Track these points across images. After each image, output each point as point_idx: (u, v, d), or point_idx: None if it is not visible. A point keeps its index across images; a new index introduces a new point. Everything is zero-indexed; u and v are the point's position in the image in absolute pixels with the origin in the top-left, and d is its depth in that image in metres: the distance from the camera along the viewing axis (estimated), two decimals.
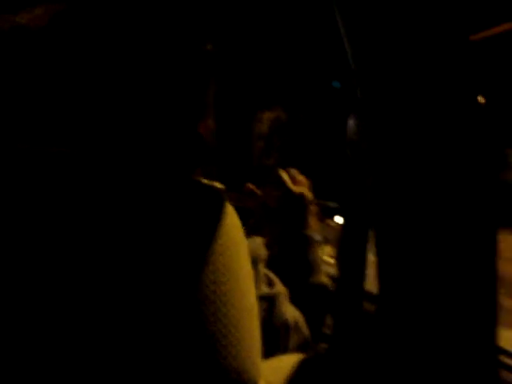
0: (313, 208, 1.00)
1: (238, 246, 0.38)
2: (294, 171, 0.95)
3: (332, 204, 1.46)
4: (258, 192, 0.98)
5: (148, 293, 0.34)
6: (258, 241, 0.67)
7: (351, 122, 0.49)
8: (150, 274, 0.35)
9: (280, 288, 0.66)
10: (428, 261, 0.47)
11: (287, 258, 0.92)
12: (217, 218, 0.36)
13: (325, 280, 0.94)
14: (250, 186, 0.98)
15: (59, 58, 0.45)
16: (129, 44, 0.50)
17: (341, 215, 1.52)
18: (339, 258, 0.55)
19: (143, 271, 0.35)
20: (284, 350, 0.64)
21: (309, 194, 0.95)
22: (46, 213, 0.36)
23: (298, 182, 0.95)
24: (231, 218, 0.37)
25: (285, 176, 0.93)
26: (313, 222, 1.00)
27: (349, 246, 0.54)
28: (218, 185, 0.86)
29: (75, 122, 0.47)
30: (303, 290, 0.88)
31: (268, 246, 0.94)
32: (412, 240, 0.48)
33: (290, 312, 0.67)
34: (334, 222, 1.51)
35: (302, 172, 1.03)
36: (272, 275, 0.68)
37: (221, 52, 0.60)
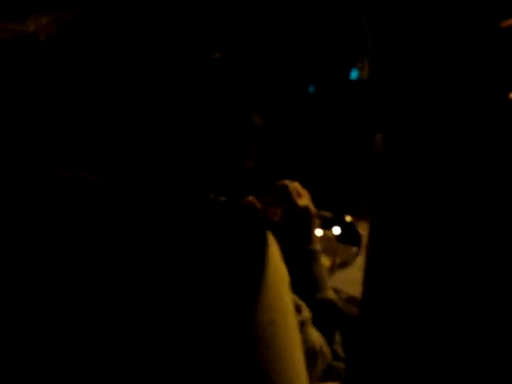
0: (316, 221, 0.98)
1: (282, 277, 0.35)
2: (296, 184, 0.93)
3: (327, 214, 1.44)
4: (258, 205, 0.95)
5: (198, 335, 0.31)
6: None
7: (379, 136, 0.47)
8: (200, 314, 0.31)
9: (307, 313, 0.64)
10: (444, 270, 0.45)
11: (291, 273, 0.89)
12: (262, 248, 0.33)
13: (332, 295, 0.92)
14: (250, 198, 0.95)
15: (71, 71, 0.42)
16: (139, 55, 0.47)
17: (336, 225, 1.50)
18: (366, 277, 0.52)
19: (193, 312, 0.31)
20: (311, 375, 0.61)
21: (312, 208, 0.93)
22: (78, 244, 0.33)
23: (300, 195, 0.92)
24: (274, 248, 0.34)
25: (290, 189, 0.90)
26: (315, 235, 0.98)
27: (377, 263, 0.51)
28: (222, 199, 0.83)
29: (89, 142, 0.43)
30: (310, 307, 0.85)
31: None
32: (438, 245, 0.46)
33: (316, 337, 0.65)
34: (330, 232, 1.48)
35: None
36: (297, 299, 0.65)
37: (229, 60, 0.58)
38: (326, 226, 1.50)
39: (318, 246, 0.97)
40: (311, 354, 0.61)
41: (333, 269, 1.39)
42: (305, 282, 0.89)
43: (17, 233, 0.35)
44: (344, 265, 1.40)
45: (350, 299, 1.38)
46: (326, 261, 1.45)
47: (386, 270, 0.54)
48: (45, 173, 0.37)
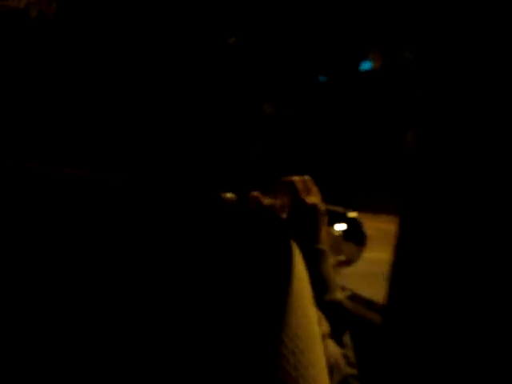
0: (324, 219, 0.93)
1: (308, 296, 0.30)
2: (307, 179, 0.88)
3: (338, 209, 1.38)
4: (265, 201, 0.91)
5: (212, 362, 0.26)
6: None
7: (412, 132, 0.42)
8: (214, 339, 0.27)
9: (325, 326, 0.59)
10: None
11: None
12: (287, 264, 0.28)
13: (340, 297, 0.87)
14: (256, 193, 0.91)
15: (66, 53, 0.37)
16: (146, 39, 0.42)
17: (341, 222, 1.45)
18: (392, 279, 0.48)
19: (205, 339, 0.27)
20: None
21: (321, 205, 0.89)
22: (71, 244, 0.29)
23: (309, 192, 0.88)
24: (300, 260, 0.30)
25: (297, 185, 0.86)
26: (323, 234, 0.93)
27: (405, 264, 0.47)
28: (229, 195, 0.78)
29: (84, 133, 0.38)
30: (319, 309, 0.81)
31: None
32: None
33: (332, 349, 0.61)
34: (335, 228, 1.43)
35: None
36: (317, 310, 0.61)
37: (244, 46, 0.53)
38: (331, 222, 1.45)
39: (325, 245, 0.93)
40: (329, 369, 0.57)
41: (336, 267, 1.35)
42: (313, 283, 0.85)
43: (4, 231, 0.31)
44: (348, 263, 1.36)
45: (354, 296, 1.34)
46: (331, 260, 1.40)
47: (414, 271, 0.50)
48: (33, 168, 0.32)
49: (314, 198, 0.87)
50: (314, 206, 0.86)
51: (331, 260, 1.42)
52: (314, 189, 0.89)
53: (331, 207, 1.39)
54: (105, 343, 0.29)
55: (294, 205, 0.86)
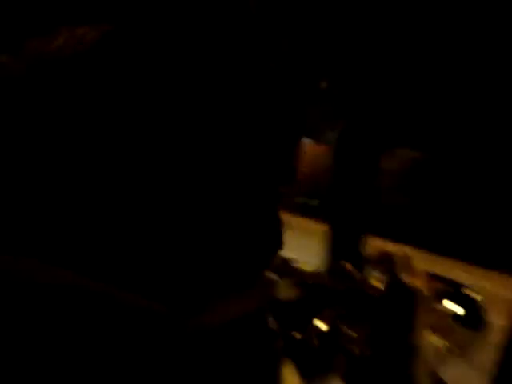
0: (427, 301, 0.79)
1: None
2: (408, 255, 0.75)
3: (456, 281, 1.18)
4: (357, 276, 0.79)
5: None
6: None
7: None
8: None
9: None
10: None
11: (381, 366, 0.71)
12: None
13: None
14: (348, 266, 0.80)
15: (109, 102, 0.31)
16: (212, 80, 0.35)
17: (457, 299, 1.24)
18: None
19: None
20: None
21: (425, 290, 0.74)
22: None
23: (413, 273, 0.74)
24: None
25: (397, 261, 0.73)
26: (429, 315, 0.78)
27: None
28: (310, 269, 0.69)
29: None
30: None
31: (360, 343, 0.75)
32: None
33: None
34: (447, 306, 1.23)
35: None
36: None
37: (340, 90, 0.44)
38: (443, 297, 1.26)
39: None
40: None
41: (443, 354, 1.15)
42: (396, 381, 0.71)
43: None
44: (459, 352, 1.15)
45: None
46: (434, 340, 1.21)
47: None
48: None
49: (417, 281, 0.73)
50: (414, 291, 0.72)
51: (436, 341, 1.22)
52: (420, 271, 0.75)
53: (446, 276, 1.19)
54: None
55: (391, 284, 0.73)
